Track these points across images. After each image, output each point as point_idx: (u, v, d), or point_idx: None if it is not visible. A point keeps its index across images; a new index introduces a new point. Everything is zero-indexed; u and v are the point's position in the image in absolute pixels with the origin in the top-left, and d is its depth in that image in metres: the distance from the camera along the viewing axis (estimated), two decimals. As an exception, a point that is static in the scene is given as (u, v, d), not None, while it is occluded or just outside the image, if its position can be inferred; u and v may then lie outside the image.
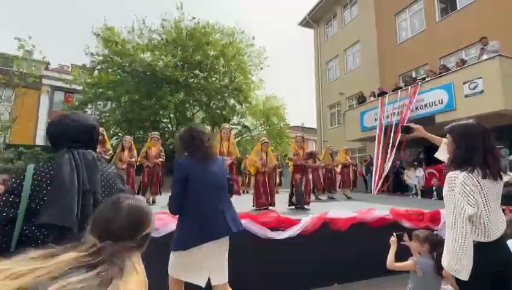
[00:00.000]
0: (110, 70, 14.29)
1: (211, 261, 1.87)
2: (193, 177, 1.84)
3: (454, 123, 1.58)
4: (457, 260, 1.31)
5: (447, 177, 1.44)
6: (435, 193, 8.00)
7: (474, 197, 1.33)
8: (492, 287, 1.35)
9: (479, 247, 1.33)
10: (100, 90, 14.02)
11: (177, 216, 1.95)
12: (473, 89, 7.56)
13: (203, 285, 1.89)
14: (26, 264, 0.61)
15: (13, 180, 1.08)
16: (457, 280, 1.35)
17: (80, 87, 15.36)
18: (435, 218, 3.92)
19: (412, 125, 2.06)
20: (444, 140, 1.86)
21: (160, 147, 6.09)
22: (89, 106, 15.17)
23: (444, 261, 1.38)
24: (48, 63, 21.41)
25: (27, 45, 14.83)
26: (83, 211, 1.06)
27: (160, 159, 5.89)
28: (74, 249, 0.69)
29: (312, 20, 17.88)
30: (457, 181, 1.37)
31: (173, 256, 1.90)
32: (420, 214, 3.92)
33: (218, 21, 18.36)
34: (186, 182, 1.83)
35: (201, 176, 1.86)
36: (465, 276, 1.29)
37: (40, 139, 19.59)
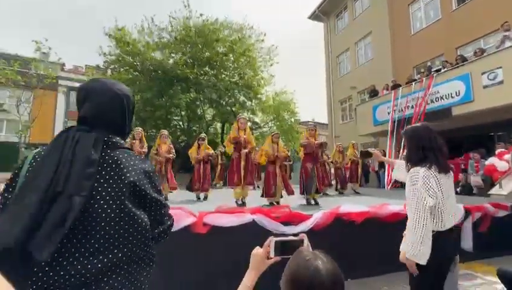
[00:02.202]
0: (122, 70, 14.58)
1: None
2: None
3: (407, 127, 1.80)
4: (418, 248, 1.46)
5: (409, 173, 1.60)
6: (460, 188, 7.76)
7: (433, 190, 1.49)
8: (443, 269, 1.56)
9: (436, 236, 1.49)
10: (113, 89, 14.33)
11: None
12: (492, 80, 7.24)
13: None
14: None
15: (12, 174, 0.82)
16: (417, 265, 1.50)
17: (94, 87, 15.76)
18: (452, 213, 3.82)
19: (371, 150, 2.31)
20: (398, 161, 2.06)
21: (170, 145, 6.25)
22: (103, 105, 15.55)
23: (406, 249, 1.52)
24: (63, 64, 22.07)
25: (43, 47, 15.38)
26: (46, 220, 0.69)
27: (170, 155, 6.03)
28: None
29: (322, 13, 17.55)
30: (419, 176, 1.53)
31: None
32: (436, 209, 3.82)
33: (227, 17, 18.33)
34: None
35: None
36: (423, 261, 1.46)
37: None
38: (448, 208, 1.55)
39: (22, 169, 0.80)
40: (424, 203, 1.47)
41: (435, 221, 1.52)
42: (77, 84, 19.28)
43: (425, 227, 1.46)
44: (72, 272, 0.71)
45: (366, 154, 2.33)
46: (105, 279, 0.75)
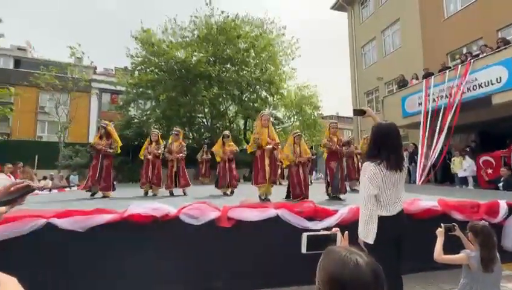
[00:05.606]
0: (148, 70, 15.14)
1: None
2: None
3: (377, 122, 1.97)
4: (366, 228, 1.73)
5: (363, 166, 1.88)
6: (502, 183, 7.14)
7: (377, 182, 1.75)
8: (391, 249, 1.78)
9: (382, 219, 1.74)
10: (141, 89, 14.96)
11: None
12: (541, 63, 6.54)
13: None
14: None
15: None
16: (366, 244, 1.72)
17: (123, 88, 16.59)
18: (493, 210, 3.53)
19: (364, 108, 2.45)
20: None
21: (182, 142, 6.40)
22: (132, 105, 16.30)
23: (359, 230, 1.79)
24: (95, 68, 23.43)
25: (77, 52, 16.40)
26: None
27: (181, 155, 6.15)
28: None
29: (345, 2, 16.88)
30: (367, 169, 1.79)
31: None
32: (474, 205, 3.55)
33: (248, 12, 18.30)
34: None
35: None
36: (371, 240, 1.71)
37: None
38: (393, 198, 1.81)
39: None
40: (369, 191, 1.75)
41: (380, 208, 1.77)
42: (108, 86, 20.40)
43: (370, 211, 1.73)
44: None
45: (359, 112, 2.44)
46: None
